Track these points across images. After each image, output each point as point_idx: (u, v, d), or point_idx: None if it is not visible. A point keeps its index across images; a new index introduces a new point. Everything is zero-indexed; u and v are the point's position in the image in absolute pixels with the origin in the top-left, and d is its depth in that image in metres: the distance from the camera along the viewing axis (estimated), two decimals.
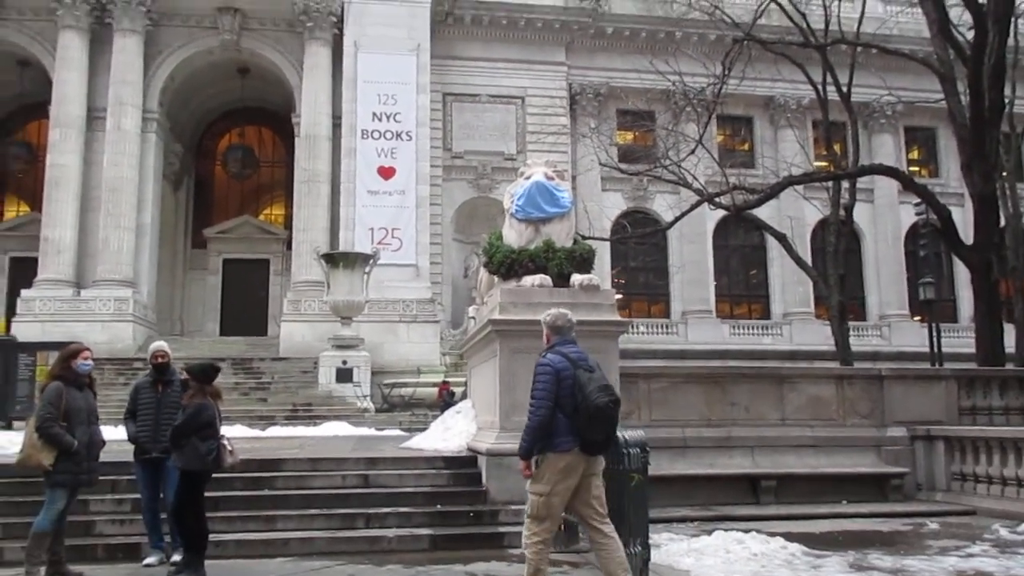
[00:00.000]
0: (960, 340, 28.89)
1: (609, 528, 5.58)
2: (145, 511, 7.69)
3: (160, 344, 8.20)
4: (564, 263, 9.40)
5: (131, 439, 7.73)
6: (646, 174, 22.58)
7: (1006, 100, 17.76)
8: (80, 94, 28.77)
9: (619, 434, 6.16)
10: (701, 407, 11.17)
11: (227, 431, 7.59)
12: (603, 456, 5.73)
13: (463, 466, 9.37)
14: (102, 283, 27.76)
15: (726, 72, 18.43)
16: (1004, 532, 8.75)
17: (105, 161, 28.43)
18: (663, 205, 31.06)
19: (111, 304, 27.26)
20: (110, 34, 28.84)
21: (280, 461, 9.74)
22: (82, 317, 26.61)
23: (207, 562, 6.92)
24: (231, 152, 35.91)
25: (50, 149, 28.68)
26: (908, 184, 18.85)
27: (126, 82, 28.61)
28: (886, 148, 33.78)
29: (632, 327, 29.17)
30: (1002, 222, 19.15)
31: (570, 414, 5.47)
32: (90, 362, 7.34)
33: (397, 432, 17.30)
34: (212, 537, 7.22)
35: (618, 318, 9.48)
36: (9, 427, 16.49)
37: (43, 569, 6.80)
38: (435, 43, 30.27)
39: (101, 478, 8.13)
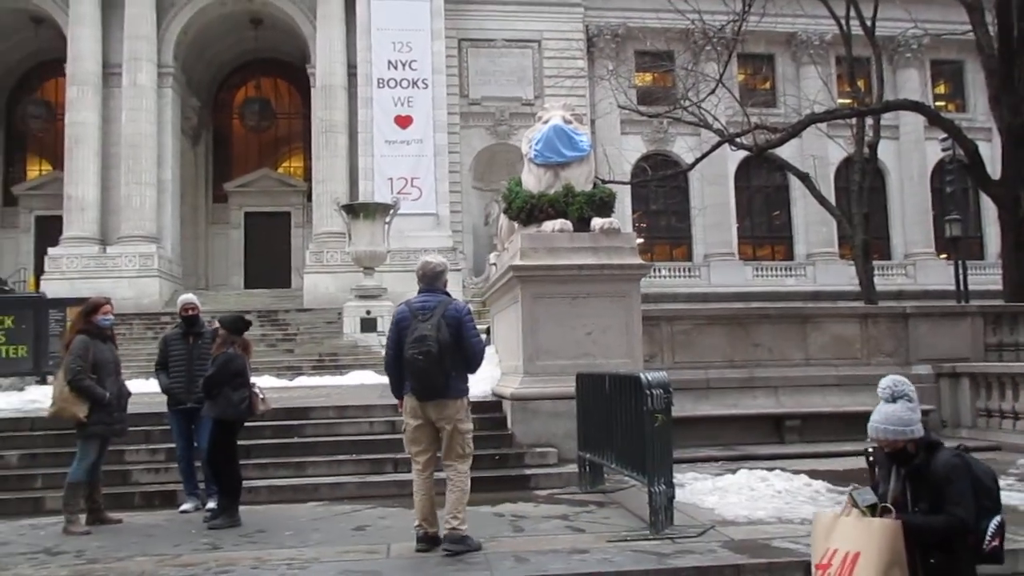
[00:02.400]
0: (987, 277, 28.59)
1: (452, 471, 5.90)
2: (180, 460, 7.87)
3: (189, 297, 8.29)
4: (584, 207, 9.35)
5: (164, 390, 7.87)
6: (666, 116, 22.26)
7: None
8: (95, 50, 28.69)
9: (641, 375, 6.20)
10: (724, 348, 11.18)
11: (256, 381, 7.71)
12: (443, 404, 5.86)
13: (488, 410, 9.48)
14: (126, 239, 28.02)
15: (746, 8, 18.01)
16: None
17: (123, 117, 28.48)
18: (683, 147, 30.62)
19: (136, 260, 27.57)
20: None
21: (308, 409, 9.91)
22: (108, 273, 26.94)
23: (241, 507, 7.09)
24: (248, 105, 35.78)
25: (68, 107, 28.76)
26: (934, 119, 18.46)
27: (140, 36, 28.47)
28: (911, 83, 33.03)
29: (654, 271, 29.10)
30: None
31: None
32: (111, 316, 7.45)
33: None
34: (245, 483, 7.39)
35: (639, 261, 9.45)
36: (44, 382, 16.80)
37: (83, 516, 7.02)
38: None
39: (135, 429, 8.34)
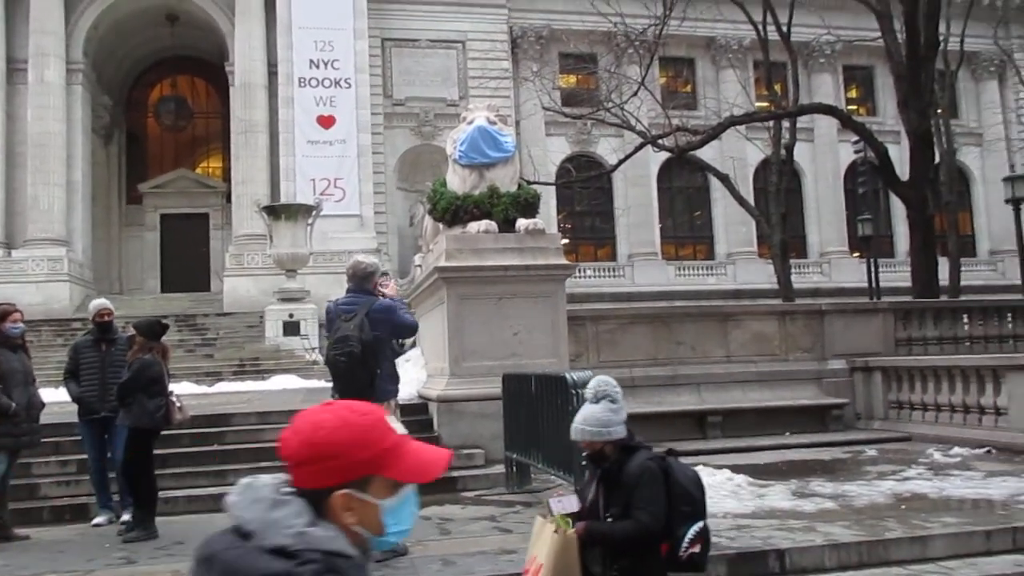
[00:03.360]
0: (897, 274, 29.67)
1: None
2: (92, 471, 7.56)
3: (103, 302, 7.99)
4: (509, 208, 9.35)
5: (75, 399, 7.56)
6: (589, 117, 22.49)
7: (941, 37, 18.03)
8: None
9: (567, 375, 6.22)
10: (648, 347, 11.34)
11: (175, 388, 7.48)
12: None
13: (414, 413, 9.40)
14: (33, 243, 26.87)
15: (667, 12, 18.33)
16: (938, 456, 9.12)
17: (29, 115, 27.31)
18: (607, 148, 30.99)
19: (44, 264, 26.45)
20: None
21: (229, 416, 9.66)
22: (14, 278, 25.79)
23: (158, 519, 6.85)
24: (163, 103, 34.75)
25: None
26: (847, 122, 19.12)
27: (47, 31, 27.34)
28: (825, 87, 34.12)
29: (579, 271, 29.32)
30: (937, 158, 19.59)
31: None
32: (20, 324, 7.13)
33: None
34: (162, 494, 7.15)
35: (564, 262, 9.50)
36: None
37: None
38: None
39: (44, 440, 7.97)
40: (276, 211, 23.58)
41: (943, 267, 18.48)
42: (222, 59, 30.40)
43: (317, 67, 28.14)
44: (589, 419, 3.49)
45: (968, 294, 22.24)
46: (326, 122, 28.07)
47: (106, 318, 7.70)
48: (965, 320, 13.01)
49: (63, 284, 26.48)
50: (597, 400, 3.54)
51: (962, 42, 23.26)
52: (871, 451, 9.80)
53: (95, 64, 30.22)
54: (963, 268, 23.19)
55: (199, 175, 35.04)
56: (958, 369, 10.33)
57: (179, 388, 10.39)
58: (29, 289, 25.27)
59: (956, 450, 9.29)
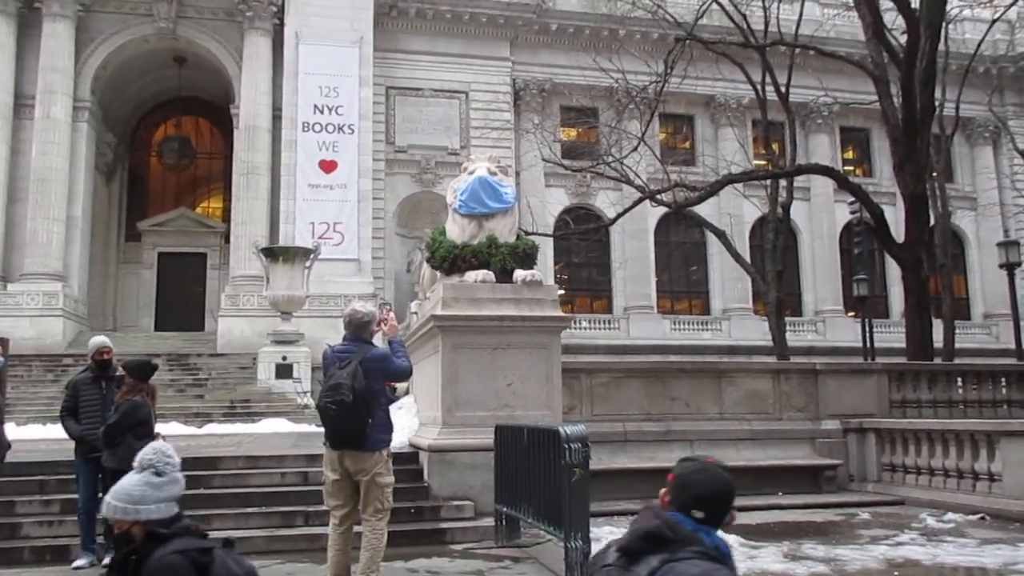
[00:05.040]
0: (891, 335, 29.71)
1: (368, 528, 5.79)
2: (82, 511, 7.44)
3: (104, 339, 7.95)
4: (507, 259, 9.39)
5: (76, 437, 7.46)
6: (589, 171, 22.73)
7: (937, 103, 18.32)
8: (7, 80, 27.75)
9: (560, 429, 6.18)
10: (642, 401, 11.29)
11: (162, 429, 7.41)
12: (359, 456, 5.71)
13: (405, 462, 9.29)
14: (30, 276, 26.84)
15: (668, 71, 18.63)
16: (931, 521, 9.03)
17: (33, 151, 27.49)
18: (606, 202, 31.24)
19: (39, 298, 26.38)
20: (39, 19, 27.86)
21: (217, 459, 9.55)
22: (9, 312, 25.69)
23: None
24: (167, 143, 35.01)
25: None
26: (843, 183, 19.31)
27: (56, 69, 27.68)
28: (822, 148, 34.55)
29: (575, 323, 29.32)
30: (932, 221, 19.76)
31: None
32: (0, 359, 7.08)
33: None
34: None
35: (560, 313, 9.51)
36: None
37: None
38: (378, 36, 29.95)
39: (28, 479, 7.88)
40: (274, 253, 23.66)
41: (937, 329, 18.51)
42: (227, 101, 30.74)
43: (321, 112, 28.46)
44: (118, 491, 2.94)
45: (962, 357, 22.29)
46: (328, 167, 28.29)
47: (106, 356, 7.66)
48: (959, 383, 12.98)
49: (57, 319, 26.39)
50: (141, 469, 3.04)
51: (957, 108, 23.65)
52: (864, 514, 9.71)
53: (102, 102, 30.54)
54: (957, 331, 23.25)
55: (199, 215, 35.18)
56: (952, 433, 10.29)
57: (167, 428, 10.31)
58: (23, 323, 25.17)
59: (950, 516, 9.20)
